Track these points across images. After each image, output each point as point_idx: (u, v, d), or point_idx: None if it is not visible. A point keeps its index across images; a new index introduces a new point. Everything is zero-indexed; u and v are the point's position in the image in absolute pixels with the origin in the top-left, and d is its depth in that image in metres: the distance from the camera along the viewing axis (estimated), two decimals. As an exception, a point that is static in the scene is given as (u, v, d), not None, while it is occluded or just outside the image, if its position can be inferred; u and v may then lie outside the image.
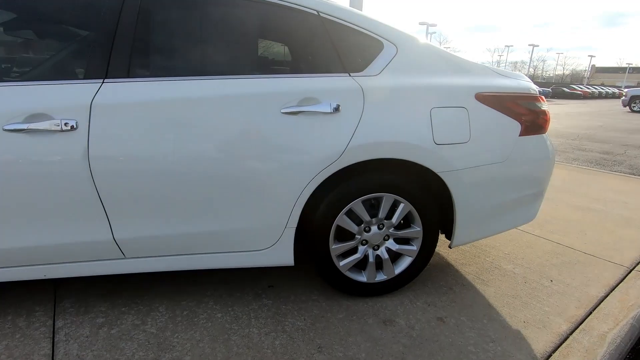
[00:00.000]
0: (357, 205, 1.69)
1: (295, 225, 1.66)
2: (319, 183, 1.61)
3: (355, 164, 1.68)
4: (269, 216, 1.63)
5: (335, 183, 1.68)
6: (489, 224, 1.86)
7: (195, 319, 1.69)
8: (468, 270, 2.17)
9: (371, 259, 1.80)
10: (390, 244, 1.82)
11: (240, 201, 1.59)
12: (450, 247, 1.86)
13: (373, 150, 1.60)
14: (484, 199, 1.79)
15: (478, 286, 2.00)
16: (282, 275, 2.07)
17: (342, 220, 1.70)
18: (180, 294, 1.88)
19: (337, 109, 1.57)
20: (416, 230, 1.78)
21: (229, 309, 1.77)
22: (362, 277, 1.82)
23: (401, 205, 1.73)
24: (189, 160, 1.49)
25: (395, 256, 1.87)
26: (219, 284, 1.98)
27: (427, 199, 1.75)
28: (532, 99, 1.85)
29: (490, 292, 1.95)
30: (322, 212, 1.68)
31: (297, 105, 1.55)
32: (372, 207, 1.78)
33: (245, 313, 1.74)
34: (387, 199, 1.70)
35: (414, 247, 1.82)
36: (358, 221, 1.76)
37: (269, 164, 1.55)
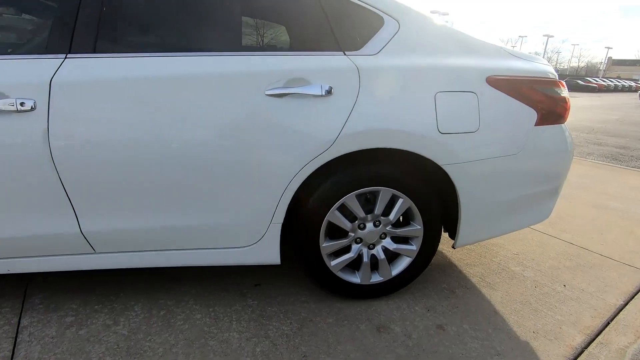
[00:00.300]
0: (350, 200, 1.52)
1: (282, 221, 1.51)
2: (308, 175, 1.45)
3: (349, 154, 1.50)
4: (251, 210, 1.47)
5: (326, 175, 1.51)
6: (497, 223, 1.68)
7: (172, 320, 1.55)
8: (473, 272, 2.00)
9: (365, 258, 1.64)
10: (387, 242, 1.65)
11: (219, 193, 1.43)
12: (453, 247, 1.70)
13: (369, 138, 1.43)
14: (492, 196, 1.61)
15: (483, 290, 1.83)
16: (271, 274, 1.92)
17: (333, 216, 1.54)
18: (160, 291, 1.75)
19: (329, 92, 1.39)
20: (416, 228, 1.62)
21: (210, 309, 1.63)
22: (356, 278, 1.67)
23: (400, 201, 1.56)
24: (160, 147, 1.34)
25: (392, 256, 1.71)
26: (203, 280, 1.84)
27: (429, 194, 1.58)
28: (551, 84, 1.65)
29: (497, 297, 1.78)
30: (312, 207, 1.52)
31: (284, 87, 1.38)
32: (368, 203, 1.62)
33: (226, 314, 1.60)
34: (384, 193, 1.53)
35: (414, 247, 1.65)
36: (352, 217, 1.60)
37: (251, 153, 1.39)
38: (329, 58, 1.44)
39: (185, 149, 1.35)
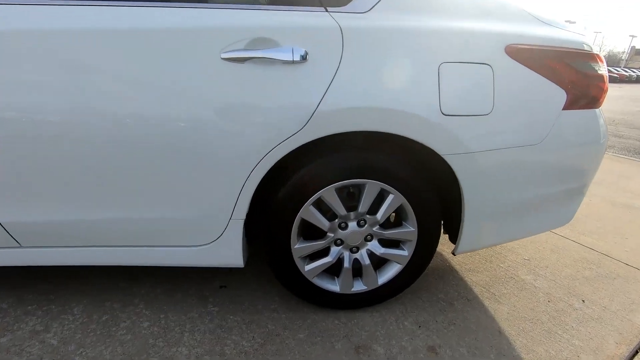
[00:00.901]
0: (329, 194, 1.24)
1: (244, 217, 1.24)
2: (276, 162, 1.17)
3: (327, 137, 1.22)
4: (205, 203, 1.21)
5: (299, 163, 1.24)
6: (508, 227, 1.39)
7: (114, 328, 1.32)
8: (476, 280, 1.72)
9: (347, 264, 1.37)
10: (374, 246, 1.38)
11: (165, 181, 1.17)
12: (454, 253, 1.42)
13: (352, 119, 1.14)
14: (504, 194, 1.32)
15: (487, 303, 1.56)
16: (241, 274, 1.68)
17: (308, 212, 1.26)
18: (108, 290, 1.52)
19: (303, 58, 1.10)
20: (409, 230, 1.34)
21: (162, 315, 1.39)
22: (335, 286, 1.40)
23: (390, 197, 1.28)
24: (88, 121, 1.07)
25: (379, 262, 1.44)
26: (160, 280, 1.60)
27: (427, 189, 1.29)
28: (586, 57, 1.32)
29: (503, 312, 1.51)
30: (281, 202, 1.24)
31: (245, 49, 1.09)
32: (351, 198, 1.34)
33: (179, 323, 1.35)
34: (371, 187, 1.25)
35: (405, 252, 1.38)
36: (331, 215, 1.32)
37: (202, 133, 1.11)
38: (306, 14, 1.14)
39: (118, 126, 1.08)
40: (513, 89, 1.23)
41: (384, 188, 1.26)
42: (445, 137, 1.19)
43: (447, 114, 1.18)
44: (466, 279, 1.73)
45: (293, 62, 1.10)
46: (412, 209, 1.30)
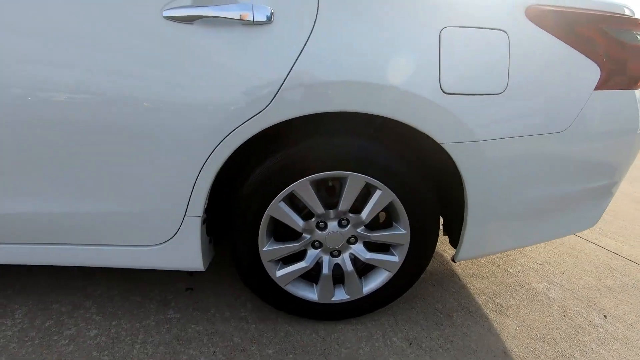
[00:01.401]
0: (303, 189, 1.03)
1: (202, 213, 1.04)
2: (236, 148, 0.96)
3: (299, 119, 1.00)
4: (152, 196, 1.01)
5: (265, 151, 1.03)
6: (520, 230, 1.17)
7: (56, 337, 1.15)
8: (480, 287, 1.51)
9: (326, 269, 1.17)
10: (359, 249, 1.17)
11: (103, 169, 0.97)
12: (454, 260, 1.20)
13: (328, 96, 0.92)
14: (517, 193, 1.09)
15: (492, 316, 1.35)
16: (210, 276, 1.49)
17: (277, 210, 1.06)
18: (59, 289, 1.35)
19: (268, 18, 0.88)
20: (400, 233, 1.12)
21: (114, 322, 1.22)
22: (312, 294, 1.21)
23: (377, 194, 1.07)
24: (5, 93, 0.87)
25: (365, 268, 1.23)
26: (120, 279, 1.42)
27: (422, 185, 1.07)
28: (628, 24, 1.06)
29: (510, 328, 1.30)
30: (246, 197, 1.04)
31: (193, 5, 0.87)
32: (331, 193, 1.13)
33: (132, 332, 1.18)
34: (354, 181, 1.04)
35: (395, 258, 1.17)
36: (307, 213, 1.12)
37: (141, 110, 0.90)
38: (273, -37, 0.91)
39: (38, 101, 0.88)
40: (533, 63, 0.99)
41: (370, 182, 1.04)
42: (446, 121, 0.96)
43: (448, 92, 0.94)
44: (468, 285, 1.51)
45: (254, 23, 0.87)
46: (404, 207, 1.08)
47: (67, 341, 1.13)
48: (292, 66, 0.89)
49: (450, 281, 1.53)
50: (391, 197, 1.06)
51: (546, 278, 1.60)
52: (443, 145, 0.99)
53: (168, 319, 1.24)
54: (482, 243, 1.15)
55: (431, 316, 1.33)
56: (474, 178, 1.03)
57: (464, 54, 0.94)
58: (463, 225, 1.12)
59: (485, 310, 1.38)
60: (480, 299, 1.44)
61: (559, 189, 1.14)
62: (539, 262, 1.72)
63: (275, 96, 0.90)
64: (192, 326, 1.22)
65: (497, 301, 1.43)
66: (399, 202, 1.07)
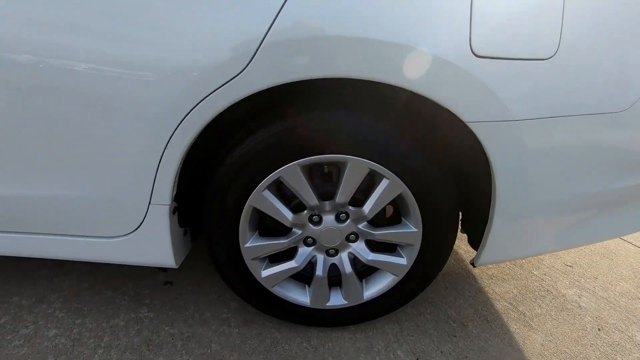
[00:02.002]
0: (292, 175, 0.84)
1: (170, 201, 0.87)
2: (206, 124, 0.77)
3: (286, 86, 0.80)
4: (109, 180, 0.83)
5: (246, 127, 0.84)
6: (558, 231, 0.95)
7: (9, 337, 1.00)
8: (500, 292, 1.32)
9: (320, 270, 0.99)
10: (359, 248, 0.98)
11: (47, 146, 0.80)
12: (473, 264, 1.01)
13: (324, 55, 0.71)
14: (558, 186, 0.87)
15: (514, 327, 1.16)
16: (192, 269, 1.33)
17: (261, 199, 0.87)
18: (24, 280, 1.21)
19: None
20: (410, 231, 0.93)
21: (78, 320, 1.07)
22: (304, 298, 1.03)
23: (383, 183, 0.87)
24: None
25: (367, 269, 1.05)
26: (92, 269, 1.27)
27: (439, 174, 0.86)
28: None
29: (535, 343, 1.11)
30: (222, 184, 0.86)
31: None
32: (327, 181, 0.94)
33: (97, 334, 1.03)
34: (355, 167, 0.84)
35: (403, 260, 0.98)
36: (298, 205, 0.93)
37: (86, 73, 0.72)
38: None
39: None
40: (594, 21, 0.76)
41: (375, 169, 0.84)
42: (475, 94, 0.75)
43: (480, 54, 0.72)
44: (487, 289, 1.32)
45: (227, -44, 0.67)
46: (417, 201, 0.88)
47: (21, 342, 0.99)
48: (276, 17, 0.69)
49: (466, 283, 1.34)
50: (401, 188, 0.86)
51: (577, 283, 1.39)
52: (469, 124, 0.78)
53: (140, 318, 1.09)
54: (509, 245, 0.95)
55: (443, 325, 1.15)
56: (506, 167, 0.82)
57: (504, 2, 0.72)
58: (488, 223, 0.92)
59: (506, 319, 1.19)
60: (500, 305, 1.25)
61: (608, 184, 0.92)
62: (568, 264, 1.51)
63: (253, 57, 0.70)
64: (166, 328, 1.06)
65: (520, 309, 1.24)
66: (410, 195, 0.87)
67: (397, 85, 0.74)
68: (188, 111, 0.74)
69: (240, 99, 0.74)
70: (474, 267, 1.05)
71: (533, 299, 1.29)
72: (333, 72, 0.73)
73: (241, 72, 0.71)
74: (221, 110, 0.75)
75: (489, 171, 0.85)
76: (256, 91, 0.73)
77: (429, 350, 1.06)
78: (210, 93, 0.72)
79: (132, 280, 1.23)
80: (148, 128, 0.76)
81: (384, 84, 0.75)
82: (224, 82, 0.72)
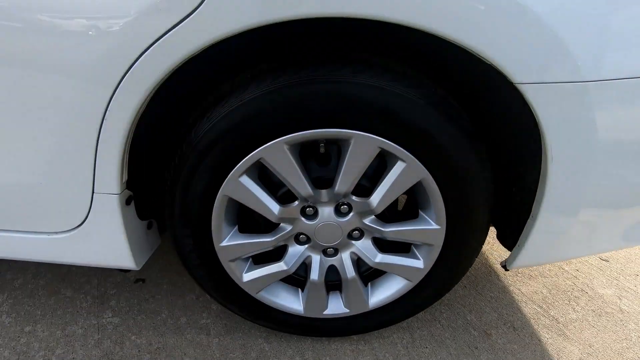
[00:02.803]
0: (276, 155, 0.63)
1: (120, 189, 0.67)
2: (155, 86, 0.56)
3: (263, 36, 0.58)
4: (39, 163, 0.64)
5: (212, 92, 0.63)
6: (622, 228, 0.75)
7: (-58, 349, 0.84)
8: (527, 292, 1.13)
9: (315, 274, 0.80)
10: (365, 248, 0.79)
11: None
12: (505, 267, 0.82)
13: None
14: (630, 172, 0.66)
15: (545, 336, 0.99)
16: (168, 264, 1.15)
17: (237, 188, 0.67)
18: (-29, 276, 1.04)
19: None
20: (430, 228, 0.73)
21: (27, 327, 0.90)
22: (296, 304, 0.85)
23: (398, 167, 0.66)
24: None
25: (373, 272, 0.86)
26: (53, 265, 1.10)
27: (471, 156, 0.65)
28: None
29: (572, 356, 0.93)
30: (186, 167, 0.65)
31: None
32: (323, 163, 0.73)
33: (48, 345, 0.86)
34: (361, 146, 0.63)
35: (419, 263, 0.78)
36: (286, 194, 0.73)
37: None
38: None
39: None
40: None
41: (387, 149, 0.63)
42: (532, 43, 0.53)
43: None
44: (512, 289, 1.14)
45: None
46: (440, 190, 0.68)
47: (-45, 356, 0.83)
48: None
49: (487, 281, 1.16)
50: (421, 173, 0.66)
51: (615, 281, 1.20)
52: (520, 87, 0.56)
53: (102, 325, 0.92)
54: (556, 245, 0.75)
55: (462, 334, 0.97)
56: (565, 145, 0.61)
57: None
58: (530, 218, 0.72)
59: (536, 327, 1.01)
60: (528, 309, 1.07)
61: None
62: (604, 258, 1.31)
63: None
64: (133, 337, 0.89)
65: (552, 313, 1.06)
66: (433, 183, 0.66)
67: (420, 27, 0.52)
68: (124, 72, 0.53)
69: (194, 52, 0.52)
70: (506, 270, 0.86)
71: (566, 301, 1.10)
72: (323, 10, 0.50)
73: (191, 13, 0.49)
74: (169, 69, 0.54)
75: (540, 151, 0.64)
76: (215, 40, 0.52)
77: (446, 365, 0.88)
78: (150, 46, 0.51)
79: (97, 278, 1.06)
80: (75, 94, 0.56)
81: (400, 27, 0.53)
82: (164, 32, 0.50)
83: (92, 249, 0.74)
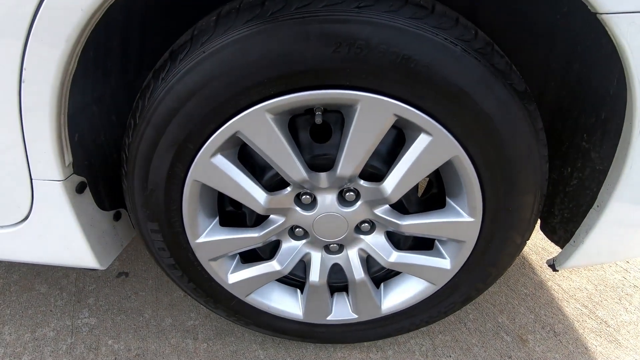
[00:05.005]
0: (256, 128, 0.48)
1: (65, 175, 0.53)
2: (82, 29, 0.40)
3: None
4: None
5: (172, 47, 0.47)
6: None
7: None
8: (569, 289, 0.96)
9: (315, 275, 0.65)
10: (376, 243, 0.63)
11: None
12: (554, 267, 0.65)
13: None
14: None
15: (593, 342, 0.83)
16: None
17: (211, 171, 0.52)
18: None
19: None
20: (462, 220, 0.57)
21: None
22: (295, 308, 0.71)
23: (421, 142, 0.49)
24: None
25: (387, 273, 0.71)
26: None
27: (523, 125, 0.48)
28: None
29: (626, 368, 0.78)
30: (141, 146, 0.51)
31: None
32: (322, 139, 0.57)
33: (14, 350, 0.75)
34: (369, 110, 0.46)
35: (446, 263, 0.63)
36: (275, 179, 0.58)
37: None
38: None
39: None
40: None
41: (405, 116, 0.46)
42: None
43: None
44: (550, 284, 0.97)
45: None
46: (478, 173, 0.51)
47: None
48: None
49: (521, 275, 0.99)
50: (453, 150, 0.49)
51: (674, 275, 1.02)
52: (605, 18, 0.38)
53: (76, 327, 0.81)
54: (625, 243, 0.58)
55: (492, 339, 0.82)
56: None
57: None
58: (595, 208, 0.55)
59: (581, 331, 0.85)
60: (570, 309, 0.90)
61: None
62: (658, 247, 1.13)
63: None
64: (110, 342, 0.78)
65: (600, 315, 0.89)
66: (469, 163, 0.50)
67: None
68: (33, 10, 0.38)
69: None
70: (555, 270, 0.69)
71: (616, 300, 0.93)
72: None
73: None
74: (95, 6, 0.38)
75: (616, 114, 0.46)
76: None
77: (474, 379, 0.74)
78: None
79: (76, 272, 0.95)
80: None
81: None
82: None
83: (44, 245, 0.62)
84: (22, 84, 0.43)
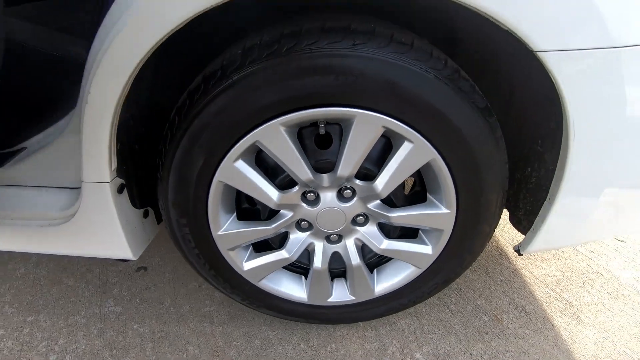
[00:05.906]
0: (272, 139, 0.59)
1: (109, 177, 0.63)
2: (138, 62, 0.51)
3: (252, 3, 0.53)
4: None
5: (204, 70, 0.58)
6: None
7: (-55, 340, 0.84)
8: (539, 275, 1.09)
9: (319, 262, 0.77)
10: (370, 233, 0.75)
11: None
12: (518, 251, 0.78)
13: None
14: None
15: (559, 320, 0.95)
16: (172, 250, 1.13)
17: (233, 173, 0.63)
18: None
19: None
20: (439, 212, 0.68)
21: (30, 317, 0.89)
22: (300, 292, 0.82)
23: (405, 147, 0.61)
24: None
25: (379, 258, 0.83)
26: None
27: (485, 134, 0.60)
28: None
29: (587, 341, 0.90)
30: (176, 153, 0.61)
31: None
32: (324, 146, 0.68)
33: (51, 335, 0.85)
34: (363, 123, 0.58)
35: (428, 249, 0.74)
36: (286, 180, 0.69)
37: None
38: None
39: None
40: None
41: (391, 128, 0.58)
42: (551, 3, 0.47)
43: None
44: (523, 271, 1.10)
45: None
46: (451, 172, 0.63)
47: (-42, 347, 0.82)
48: None
49: (498, 264, 1.12)
50: (430, 154, 0.61)
51: (632, 262, 1.16)
52: (541, 55, 0.50)
53: (104, 314, 0.91)
54: (574, 229, 0.71)
55: (471, 319, 0.94)
56: (591, 119, 0.55)
57: None
58: (547, 200, 0.67)
59: (548, 310, 0.98)
60: (540, 292, 1.03)
61: None
62: (620, 238, 1.26)
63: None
64: (135, 327, 0.88)
65: (565, 297, 1.02)
66: (443, 164, 0.62)
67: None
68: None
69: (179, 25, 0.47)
70: (520, 255, 0.82)
71: (580, 284, 1.06)
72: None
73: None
74: (152, 46, 0.49)
75: (560, 128, 0.59)
76: (202, 10, 0.46)
77: (455, 352, 0.86)
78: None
79: (99, 267, 1.04)
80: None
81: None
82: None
83: (88, 239, 0.72)
84: (86, 105, 0.54)
